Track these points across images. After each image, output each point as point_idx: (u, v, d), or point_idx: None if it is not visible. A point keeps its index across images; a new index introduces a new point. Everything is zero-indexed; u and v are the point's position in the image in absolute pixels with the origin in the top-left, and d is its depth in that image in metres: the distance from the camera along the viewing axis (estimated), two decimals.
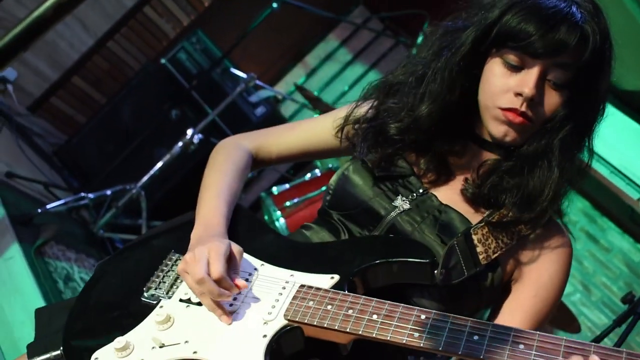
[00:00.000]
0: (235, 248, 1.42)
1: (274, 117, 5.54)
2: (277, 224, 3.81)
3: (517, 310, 1.45)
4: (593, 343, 1.13)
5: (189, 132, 4.08)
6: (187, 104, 4.74)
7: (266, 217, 4.03)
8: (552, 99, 1.38)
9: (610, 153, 4.67)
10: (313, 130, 1.74)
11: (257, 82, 4.36)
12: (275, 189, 4.03)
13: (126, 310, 1.47)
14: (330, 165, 4.29)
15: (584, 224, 5.05)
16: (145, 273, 1.53)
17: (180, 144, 4.05)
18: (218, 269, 1.34)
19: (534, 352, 1.13)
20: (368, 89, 1.65)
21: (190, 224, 1.56)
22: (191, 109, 4.73)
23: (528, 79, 1.35)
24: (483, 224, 1.43)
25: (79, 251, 3.67)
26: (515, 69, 1.38)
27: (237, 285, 1.37)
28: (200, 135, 4.10)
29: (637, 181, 4.61)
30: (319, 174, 4.06)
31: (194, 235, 1.50)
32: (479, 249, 1.41)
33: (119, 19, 5.15)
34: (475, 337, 1.18)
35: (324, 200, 1.64)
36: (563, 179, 1.41)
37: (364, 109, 1.64)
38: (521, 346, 1.15)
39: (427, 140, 1.52)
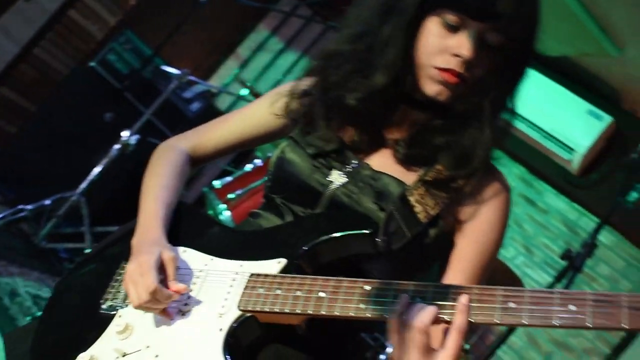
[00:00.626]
0: (167, 255, 1.44)
1: (210, 112, 5.52)
2: (222, 217, 3.81)
3: (461, 260, 1.49)
4: (529, 289, 1.17)
5: (125, 133, 4.04)
6: (121, 106, 4.69)
7: (211, 212, 4.03)
8: (486, 61, 1.42)
9: (540, 118, 4.82)
10: (248, 117, 1.74)
11: (190, 77, 4.34)
12: (217, 183, 4.03)
13: (87, 325, 1.48)
14: (269, 154, 4.31)
15: (521, 189, 5.20)
16: (101, 285, 1.54)
17: (117, 146, 4.02)
18: (150, 284, 1.36)
19: (474, 305, 1.17)
20: (310, 63, 1.63)
21: (120, 239, 1.60)
22: (125, 110, 4.68)
23: (466, 41, 1.38)
24: (419, 183, 1.46)
25: (22, 265, 3.61)
26: (454, 29, 1.40)
27: (176, 291, 1.40)
28: (137, 136, 4.07)
29: (567, 143, 4.78)
30: (260, 164, 4.08)
31: (133, 243, 1.51)
32: (417, 208, 1.44)
33: (43, 25, 5.05)
34: (418, 300, 1.21)
35: (266, 186, 1.64)
36: (492, 138, 1.46)
37: (306, 83, 1.62)
38: (463, 299, 1.18)
39: (379, 110, 1.52)
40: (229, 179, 4.04)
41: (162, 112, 4.48)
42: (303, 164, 1.55)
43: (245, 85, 4.63)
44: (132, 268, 1.42)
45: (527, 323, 1.14)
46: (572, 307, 1.11)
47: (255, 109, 1.74)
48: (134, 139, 4.06)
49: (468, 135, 1.46)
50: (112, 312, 1.48)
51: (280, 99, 1.65)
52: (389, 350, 1.20)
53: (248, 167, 4.10)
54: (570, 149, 4.76)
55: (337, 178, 1.52)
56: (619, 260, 4.79)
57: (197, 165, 1.80)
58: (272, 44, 6.11)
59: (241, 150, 1.80)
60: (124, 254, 1.56)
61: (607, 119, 4.69)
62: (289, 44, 6.06)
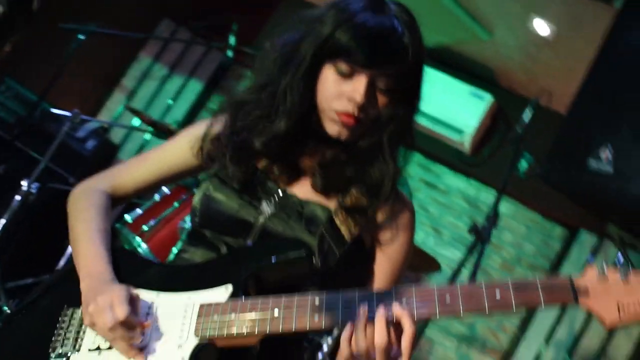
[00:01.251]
0: (129, 289, 1.49)
1: (105, 147, 5.46)
2: (140, 250, 3.79)
3: (382, 272, 1.66)
4: (458, 284, 1.35)
5: (24, 183, 3.93)
6: (14, 156, 4.55)
7: (126, 247, 4.00)
8: (379, 102, 1.55)
9: (428, 106, 5.00)
10: (167, 156, 1.79)
11: (82, 117, 4.27)
12: (128, 217, 4.00)
13: None
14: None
15: (421, 174, 5.45)
16: (43, 337, 1.54)
17: (18, 197, 3.91)
18: (124, 312, 1.41)
19: (415, 301, 1.34)
20: (219, 108, 1.73)
21: (70, 278, 1.60)
22: (20, 160, 4.55)
23: (358, 87, 1.51)
24: (340, 208, 1.60)
25: None
26: (347, 76, 1.53)
27: (143, 325, 1.45)
28: (37, 184, 3.97)
29: (456, 125, 5.05)
30: (168, 192, 4.08)
31: (84, 288, 1.54)
32: (342, 229, 1.58)
33: None
34: (364, 304, 1.35)
35: (193, 222, 1.69)
36: (396, 169, 1.61)
37: (218, 126, 1.71)
38: (404, 299, 1.34)
39: (286, 150, 1.64)
40: (138, 211, 4.01)
41: (59, 155, 4.37)
42: (230, 201, 1.64)
43: (134, 111, 4.59)
44: (100, 303, 1.44)
45: (463, 312, 1.33)
46: (497, 296, 1.31)
47: (173, 148, 1.80)
48: (34, 187, 3.96)
49: (375, 167, 1.61)
50: (64, 359, 1.50)
51: (197, 141, 1.73)
52: (324, 349, 1.33)
53: (156, 196, 4.09)
54: (459, 131, 5.04)
55: (266, 209, 1.62)
56: (520, 227, 5.11)
57: (117, 205, 1.83)
58: (156, 70, 6.08)
59: (161, 186, 1.84)
60: (65, 300, 1.59)
61: (489, 98, 5.00)
62: (173, 68, 6.06)
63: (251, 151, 1.63)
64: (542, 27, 4.23)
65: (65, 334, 1.53)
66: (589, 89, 3.22)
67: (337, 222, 1.59)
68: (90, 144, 4.98)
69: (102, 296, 1.45)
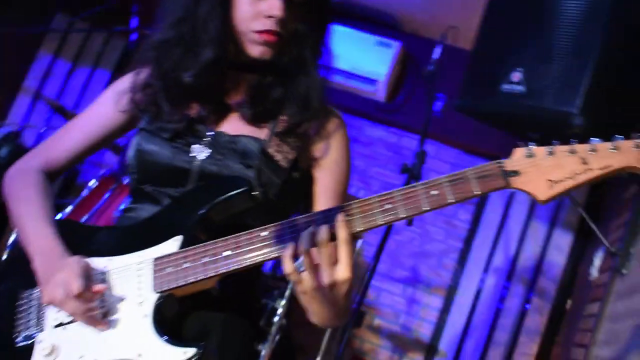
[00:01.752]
0: (83, 262, 1.50)
1: (19, 151, 5.28)
2: None
3: (326, 190, 1.69)
4: (396, 189, 1.38)
5: None
6: None
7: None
8: (296, 15, 1.59)
9: (338, 61, 5.10)
10: (95, 119, 1.77)
11: None
12: (59, 216, 3.91)
13: None
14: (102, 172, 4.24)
15: None
16: (6, 322, 1.54)
17: None
18: (78, 286, 1.42)
19: (358, 216, 1.36)
20: (141, 54, 1.72)
21: (19, 260, 1.58)
22: None
23: (274, 2, 1.55)
24: (272, 136, 1.63)
25: None
26: None
27: (97, 291, 1.46)
28: None
29: (368, 76, 5.12)
30: (96, 184, 4.00)
31: (37, 267, 1.53)
32: (278, 157, 1.61)
33: None
34: (311, 228, 1.38)
35: (131, 179, 1.69)
36: (321, 80, 1.68)
37: (144, 75, 1.71)
38: (345, 215, 1.36)
39: (213, 82, 1.65)
40: (69, 208, 3.93)
41: None
42: (163, 150, 1.63)
43: (51, 102, 4.47)
44: (55, 280, 1.45)
45: (404, 216, 1.37)
46: (434, 192, 1.35)
47: (100, 110, 1.78)
48: None
49: (300, 83, 1.65)
50: (31, 341, 1.50)
51: (123, 95, 1.72)
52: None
53: (85, 191, 4.01)
54: (372, 81, 5.12)
55: (200, 152, 1.62)
56: (444, 165, 5.26)
57: (54, 179, 1.81)
58: (59, 67, 5.89)
59: (95, 152, 1.81)
60: (20, 283, 1.59)
61: (396, 44, 5.09)
62: (76, 60, 5.88)
63: (184, 89, 1.63)
64: None
65: (27, 316, 1.53)
66: (490, 19, 3.34)
67: (271, 151, 1.61)
68: (4, 151, 4.82)
69: (56, 273, 1.46)
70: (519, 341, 4.77)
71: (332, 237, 1.34)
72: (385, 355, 5.05)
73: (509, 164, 1.34)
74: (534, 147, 1.35)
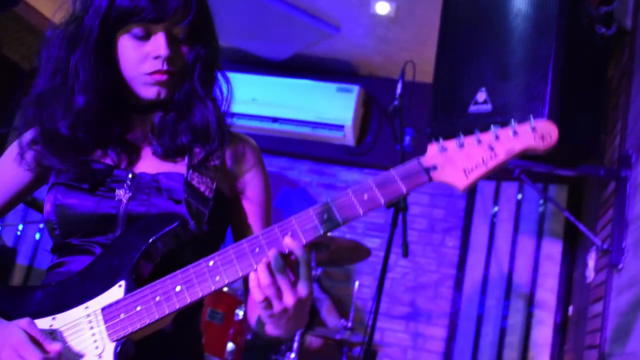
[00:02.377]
0: (24, 323, 1.44)
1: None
2: None
3: (252, 215, 1.72)
4: (329, 199, 1.43)
5: None
6: None
7: None
8: (182, 50, 1.63)
9: (302, 113, 5.21)
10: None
11: None
12: None
13: None
14: None
15: (317, 179, 5.58)
16: None
17: None
18: (33, 356, 1.38)
19: (298, 228, 1.41)
20: (22, 112, 1.68)
21: None
22: None
23: (159, 42, 1.57)
24: (190, 170, 1.63)
25: None
26: (144, 37, 1.58)
27: (56, 351, 1.41)
28: None
29: (334, 122, 5.22)
30: None
31: None
32: (202, 188, 1.61)
33: None
34: (257, 250, 1.42)
35: (53, 236, 1.64)
36: (216, 107, 1.68)
37: (30, 131, 1.67)
38: (289, 231, 1.41)
39: (100, 130, 1.63)
40: None
41: None
42: (85, 201, 1.59)
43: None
44: (8, 354, 1.39)
45: (340, 222, 1.40)
46: (365, 196, 1.41)
47: (2, 169, 1.72)
48: None
49: (198, 114, 1.67)
50: None
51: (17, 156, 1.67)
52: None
53: None
54: (338, 127, 5.20)
55: (123, 195, 1.60)
56: (423, 197, 5.32)
57: None
58: None
59: (4, 214, 1.76)
60: None
61: (356, 88, 5.20)
62: None
63: (62, 139, 1.61)
64: (383, 7, 4.46)
65: None
66: (444, 47, 3.44)
67: (194, 183, 1.61)
68: None
69: (3, 350, 1.40)
70: (529, 356, 4.78)
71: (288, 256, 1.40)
72: None
73: (427, 160, 1.42)
74: (445, 142, 1.43)
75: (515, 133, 1.40)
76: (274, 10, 4.60)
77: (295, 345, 3.59)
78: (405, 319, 5.14)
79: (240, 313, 3.62)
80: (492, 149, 1.40)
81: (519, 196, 5.09)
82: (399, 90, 3.71)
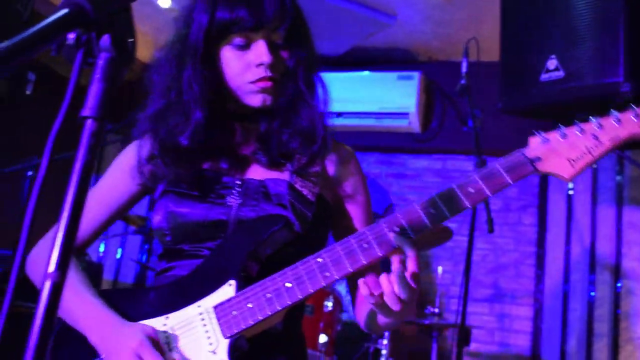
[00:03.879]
0: (150, 330, 1.52)
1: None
2: None
3: (356, 220, 1.77)
4: (434, 194, 1.46)
5: None
6: None
7: None
8: (282, 55, 1.66)
9: (365, 106, 5.23)
10: (108, 193, 1.78)
11: None
12: None
13: None
14: None
15: (386, 170, 5.58)
16: None
17: None
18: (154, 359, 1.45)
19: (405, 224, 1.45)
20: (137, 128, 1.74)
21: (67, 339, 1.60)
22: None
23: (260, 49, 1.61)
24: (294, 175, 1.68)
25: None
26: (245, 47, 1.63)
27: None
28: None
29: (398, 111, 5.21)
30: None
31: (97, 340, 1.55)
32: (305, 192, 1.66)
33: None
34: (365, 245, 1.45)
35: (164, 242, 1.69)
36: (321, 108, 1.72)
37: (146, 147, 1.73)
38: (394, 227, 1.45)
39: (212, 140, 1.69)
40: None
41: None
42: (196, 209, 1.64)
43: None
44: (127, 354, 1.46)
45: (450, 215, 1.44)
46: (471, 190, 1.44)
47: (112, 181, 1.79)
48: None
49: (304, 118, 1.70)
50: None
51: (134, 168, 1.73)
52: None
53: None
54: (403, 115, 5.20)
55: (233, 202, 1.66)
56: None
57: (81, 255, 1.81)
58: None
59: (111, 224, 1.83)
60: (82, 354, 1.57)
61: (416, 74, 5.19)
62: None
63: (184, 151, 1.66)
64: None
65: None
66: (508, 20, 3.42)
67: (298, 187, 1.66)
68: None
69: (123, 346, 1.47)
70: (620, 327, 4.67)
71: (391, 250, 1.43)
72: None
73: (530, 152, 1.46)
74: (546, 134, 1.47)
75: (618, 121, 1.43)
76: (330, 6, 4.63)
77: (387, 333, 3.60)
78: (490, 301, 5.09)
79: (329, 304, 3.66)
80: (596, 137, 1.43)
81: (594, 166, 4.99)
82: (464, 68, 3.69)
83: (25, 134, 5.37)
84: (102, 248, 6.01)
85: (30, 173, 4.15)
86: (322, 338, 3.58)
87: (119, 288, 1.75)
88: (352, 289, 1.77)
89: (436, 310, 3.92)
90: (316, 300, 3.62)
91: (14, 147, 5.26)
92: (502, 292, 5.10)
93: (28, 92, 4.93)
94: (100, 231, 1.82)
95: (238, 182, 1.68)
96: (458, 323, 3.09)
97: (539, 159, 1.44)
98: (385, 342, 3.57)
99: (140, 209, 5.83)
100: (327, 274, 1.46)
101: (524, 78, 3.12)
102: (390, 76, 5.23)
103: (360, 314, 1.71)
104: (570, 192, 5.00)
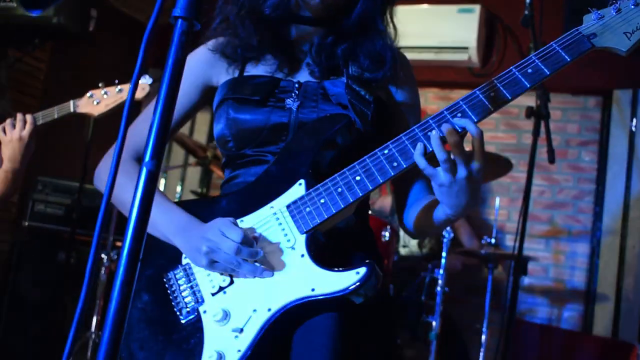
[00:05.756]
0: (227, 218, 1.56)
1: None
2: None
3: (411, 119, 1.78)
4: (493, 79, 1.48)
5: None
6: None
7: None
8: None
9: (424, 39, 5.16)
10: (181, 97, 1.77)
11: None
12: None
13: (183, 344, 1.54)
14: None
15: (443, 106, 5.54)
16: (164, 309, 1.59)
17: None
18: (238, 232, 1.49)
19: (467, 109, 1.47)
20: (218, 13, 1.80)
21: (153, 246, 1.65)
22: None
23: None
24: (351, 79, 1.71)
25: None
26: None
27: (255, 237, 1.53)
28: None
29: (457, 45, 5.14)
30: None
31: (181, 242, 1.60)
32: (362, 92, 1.68)
33: None
34: (430, 133, 1.47)
35: (226, 149, 1.73)
36: (392, 41, 1.75)
37: (212, 44, 1.81)
38: (459, 114, 1.47)
39: (277, 33, 1.74)
40: None
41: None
42: (256, 114, 1.68)
43: None
44: (212, 238, 1.50)
45: (511, 97, 1.47)
46: (530, 70, 1.47)
47: (189, 77, 1.80)
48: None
49: (373, 40, 1.72)
50: (195, 315, 1.55)
51: (209, 56, 1.80)
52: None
53: None
54: (463, 49, 5.13)
55: (293, 104, 1.69)
56: (556, 112, 5.17)
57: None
58: None
59: (187, 120, 1.88)
60: (160, 271, 1.63)
61: (477, 7, 5.09)
62: None
63: (264, 21, 1.71)
64: None
65: (182, 295, 1.58)
66: None
67: (355, 87, 1.68)
68: None
69: (207, 233, 1.52)
70: None
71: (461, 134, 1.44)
72: (544, 312, 5.01)
73: (585, 29, 1.47)
74: (599, 11, 1.47)
75: None
76: None
77: (443, 262, 3.66)
78: (545, 238, 5.09)
79: (386, 234, 3.72)
80: None
81: None
82: None
83: (92, 69, 5.52)
84: (162, 182, 6.18)
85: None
86: None
87: (189, 199, 1.79)
88: (400, 193, 1.80)
89: (492, 241, 3.93)
90: (374, 230, 3.68)
91: (80, 82, 5.41)
92: (559, 229, 5.08)
93: (90, 29, 5.02)
94: (175, 129, 1.89)
95: (296, 85, 1.71)
96: (515, 254, 3.11)
97: (594, 35, 1.45)
98: (441, 271, 3.62)
99: (200, 138, 5.97)
100: (395, 163, 1.49)
101: (591, 4, 3.04)
102: (450, 9, 5.14)
103: (412, 214, 1.72)
104: (633, 129, 4.90)
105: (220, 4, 1.79)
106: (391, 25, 1.77)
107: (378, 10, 1.72)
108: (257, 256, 1.50)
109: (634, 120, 4.89)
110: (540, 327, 4.69)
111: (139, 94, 2.78)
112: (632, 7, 1.44)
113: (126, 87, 2.77)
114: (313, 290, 1.46)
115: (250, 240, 1.51)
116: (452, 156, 1.42)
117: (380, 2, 1.72)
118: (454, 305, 4.53)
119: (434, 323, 3.61)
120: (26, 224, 4.80)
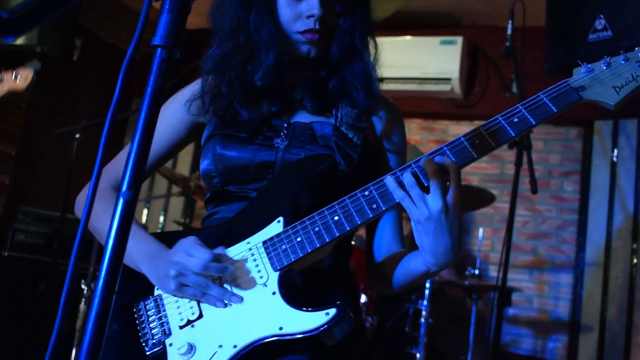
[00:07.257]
0: (192, 237, 1.54)
1: None
2: None
3: (395, 161, 1.78)
4: (479, 127, 1.47)
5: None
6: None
7: None
8: (334, 9, 1.68)
9: (407, 71, 5.21)
10: (166, 127, 1.81)
11: None
12: None
13: None
14: None
15: (427, 136, 5.56)
16: (130, 339, 1.57)
17: None
18: (204, 251, 1.47)
19: (449, 152, 1.46)
20: (205, 68, 1.77)
21: (125, 275, 1.63)
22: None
23: (312, 1, 1.63)
24: (340, 119, 1.70)
25: None
26: None
27: (218, 251, 1.52)
28: None
29: (440, 76, 5.18)
30: None
31: (150, 269, 1.59)
32: (350, 135, 1.68)
33: None
34: (416, 170, 1.46)
35: (211, 185, 1.73)
36: (373, 66, 1.74)
37: (198, 85, 1.79)
38: (438, 158, 1.45)
39: (275, 84, 1.73)
40: None
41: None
42: (243, 152, 1.68)
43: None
44: (179, 261, 1.48)
45: (494, 144, 1.45)
46: (515, 120, 1.46)
47: (170, 120, 1.82)
48: None
49: (358, 71, 1.73)
50: (160, 347, 1.53)
51: (190, 103, 1.78)
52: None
53: None
54: (446, 80, 5.18)
55: (280, 143, 1.69)
56: (538, 143, 5.23)
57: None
58: None
59: (164, 162, 1.87)
60: (131, 300, 1.62)
61: (459, 39, 5.15)
62: None
63: (255, 92, 1.71)
64: None
65: (149, 326, 1.56)
66: None
67: (343, 129, 1.68)
68: None
69: (174, 256, 1.50)
70: None
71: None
72: (529, 343, 4.99)
73: (573, 82, 1.46)
74: (590, 64, 1.46)
75: None
76: None
77: (427, 293, 3.64)
78: (529, 268, 5.09)
79: None
80: None
81: None
82: (509, 31, 3.66)
83: (74, 97, 5.50)
84: (145, 212, 6.14)
85: (78, 135, 4.26)
86: (362, 298, 3.64)
87: (168, 231, 1.77)
88: (370, 242, 1.76)
89: (476, 271, 3.93)
90: (357, 261, 3.67)
91: (62, 110, 5.39)
92: (542, 259, 5.09)
93: (75, 58, 5.03)
94: (151, 169, 1.87)
95: (284, 125, 1.71)
96: (499, 284, 3.10)
97: (582, 88, 1.44)
98: (425, 303, 3.61)
99: (183, 169, 5.95)
100: (375, 205, 1.48)
101: (572, 38, 3.09)
102: (433, 41, 5.19)
103: (386, 269, 1.68)
104: (614, 159, 4.94)
105: (206, 69, 1.78)
106: (373, 52, 1.77)
107: (359, 36, 1.72)
108: (225, 272, 1.49)
109: (615, 150, 4.93)
110: (525, 359, 4.66)
111: (22, 84, 2.74)
112: (622, 62, 1.45)
113: (6, 76, 2.71)
114: (281, 329, 1.43)
115: (217, 257, 1.49)
116: (426, 183, 1.42)
117: (359, 28, 1.71)
118: (438, 335, 4.51)
119: (417, 355, 3.58)
120: (6, 254, 4.75)
